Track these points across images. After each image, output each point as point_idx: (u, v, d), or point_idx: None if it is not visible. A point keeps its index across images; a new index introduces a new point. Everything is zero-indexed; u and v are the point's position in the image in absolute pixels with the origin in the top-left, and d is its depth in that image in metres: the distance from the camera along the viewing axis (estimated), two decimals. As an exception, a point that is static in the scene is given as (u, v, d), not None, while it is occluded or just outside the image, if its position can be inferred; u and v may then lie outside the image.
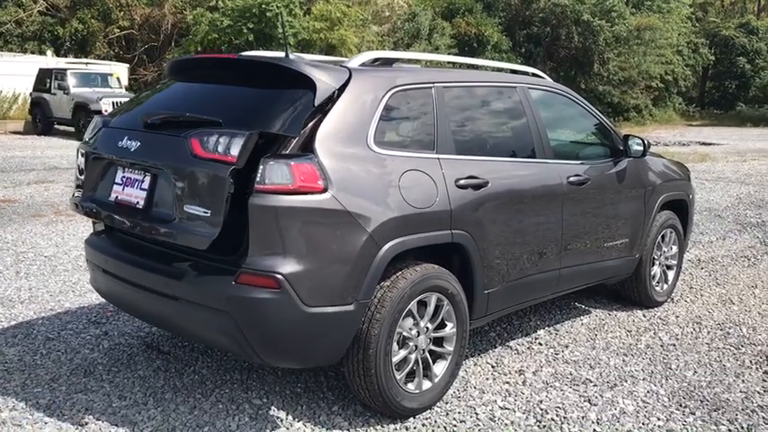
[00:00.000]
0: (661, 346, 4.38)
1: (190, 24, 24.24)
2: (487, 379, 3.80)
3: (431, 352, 3.39)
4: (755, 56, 39.27)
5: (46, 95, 18.84)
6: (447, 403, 3.48)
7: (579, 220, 4.25)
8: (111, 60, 24.30)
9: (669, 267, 5.30)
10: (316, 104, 3.00)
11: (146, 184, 3.19)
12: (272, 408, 3.38)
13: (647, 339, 4.48)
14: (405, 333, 3.24)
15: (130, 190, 3.26)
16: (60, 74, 18.85)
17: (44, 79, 19.11)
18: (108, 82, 19.31)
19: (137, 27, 26.33)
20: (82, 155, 3.62)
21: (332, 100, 3.08)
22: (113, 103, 17.61)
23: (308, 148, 2.93)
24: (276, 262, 2.86)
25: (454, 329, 3.44)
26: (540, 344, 4.34)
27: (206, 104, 3.32)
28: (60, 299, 4.91)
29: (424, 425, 3.28)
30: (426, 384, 3.37)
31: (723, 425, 3.37)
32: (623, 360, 4.12)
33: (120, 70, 22.45)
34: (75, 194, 3.65)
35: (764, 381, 3.89)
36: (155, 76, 25.27)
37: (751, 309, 5.19)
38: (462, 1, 29.84)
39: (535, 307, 4.92)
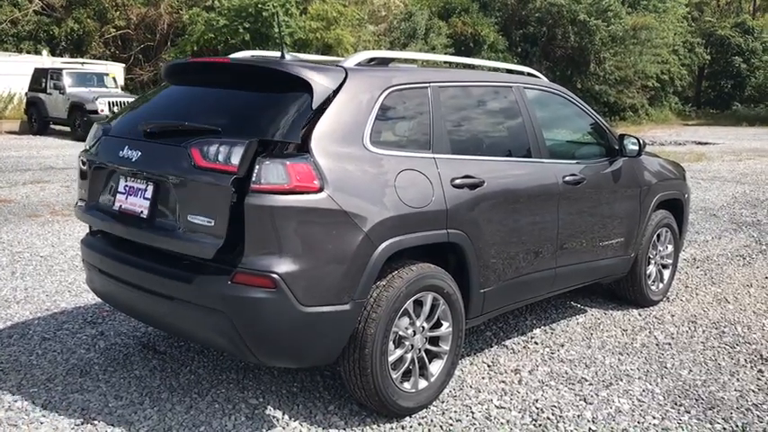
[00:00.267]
0: (656, 344, 4.39)
1: (186, 24, 24.20)
2: (483, 378, 3.81)
3: (427, 351, 3.40)
4: (751, 55, 39.37)
5: (42, 95, 18.79)
6: (443, 402, 3.49)
7: (575, 219, 4.26)
8: (106, 60, 24.25)
9: (665, 266, 5.31)
10: (314, 108, 3.02)
11: (149, 194, 3.20)
12: (269, 407, 3.39)
13: (642, 338, 4.50)
14: (401, 332, 3.24)
15: (134, 199, 3.27)
16: (56, 74, 18.80)
17: (40, 79, 19.07)
18: (104, 82, 19.27)
19: (132, 27, 26.28)
20: (83, 163, 3.63)
21: (328, 100, 3.09)
22: (109, 102, 17.60)
23: (303, 148, 2.94)
24: (272, 261, 2.86)
25: (450, 329, 3.45)
26: (536, 343, 4.35)
27: (204, 110, 3.34)
28: (56, 299, 4.91)
29: (420, 424, 3.28)
30: (422, 383, 3.38)
31: (718, 423, 3.38)
32: (619, 359, 4.13)
33: (116, 70, 22.40)
34: (79, 204, 3.66)
35: (759, 379, 3.91)
36: (151, 75, 25.24)
37: (746, 308, 5.21)
38: (458, 1, 29.85)
39: (531, 306, 4.93)
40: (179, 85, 3.65)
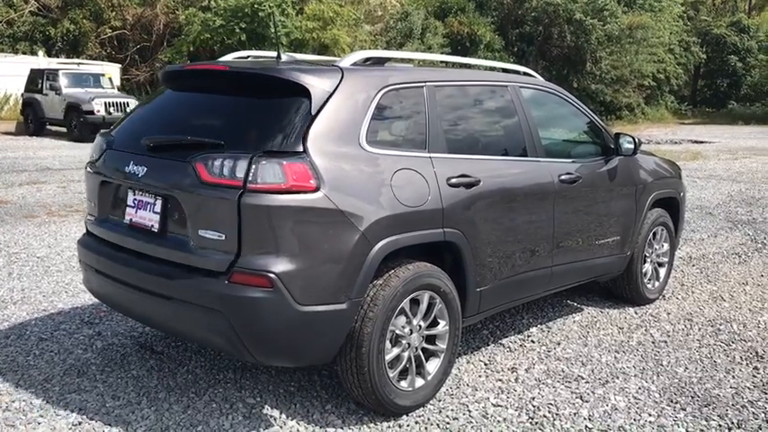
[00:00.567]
0: (652, 342, 4.41)
1: (182, 24, 24.20)
2: (480, 376, 3.82)
3: (423, 350, 3.41)
4: (747, 54, 39.47)
5: (38, 96, 18.77)
6: (440, 401, 3.50)
7: (571, 217, 4.28)
8: (103, 60, 24.23)
9: (660, 265, 5.33)
10: (313, 113, 3.03)
11: (158, 208, 3.20)
12: (266, 406, 3.39)
13: (638, 336, 4.51)
14: (397, 331, 3.25)
15: (144, 213, 3.27)
16: (52, 74, 18.78)
17: (36, 80, 19.05)
18: (100, 82, 19.25)
19: (129, 27, 26.26)
20: (90, 176, 3.64)
21: (325, 102, 3.10)
22: (105, 103, 17.60)
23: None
24: (269, 261, 2.87)
25: (447, 327, 3.46)
26: (533, 341, 4.37)
27: (204, 119, 3.37)
28: (53, 299, 4.91)
29: (417, 422, 3.29)
30: (419, 382, 3.39)
31: (713, 420, 3.40)
32: (615, 357, 4.15)
33: (113, 70, 22.38)
34: (89, 218, 3.67)
35: (754, 376, 3.93)
36: (147, 76, 25.23)
37: (741, 305, 5.23)
38: (455, 0, 29.88)
39: (527, 305, 4.94)
40: (177, 90, 3.65)
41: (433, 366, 3.44)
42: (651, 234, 5.09)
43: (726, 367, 4.04)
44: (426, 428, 3.25)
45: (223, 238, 2.91)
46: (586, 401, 3.56)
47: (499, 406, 3.48)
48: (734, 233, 7.85)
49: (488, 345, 4.30)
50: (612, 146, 4.66)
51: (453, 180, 3.45)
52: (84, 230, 3.81)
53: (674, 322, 4.80)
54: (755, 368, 4.04)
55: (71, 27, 25.05)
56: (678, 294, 5.47)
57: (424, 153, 3.41)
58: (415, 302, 3.32)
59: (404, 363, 3.31)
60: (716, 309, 5.12)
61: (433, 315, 3.40)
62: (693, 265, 6.37)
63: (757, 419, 3.43)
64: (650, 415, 3.43)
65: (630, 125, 29.75)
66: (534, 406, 3.49)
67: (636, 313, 4.98)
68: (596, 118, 4.79)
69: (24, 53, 23.70)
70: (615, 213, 4.67)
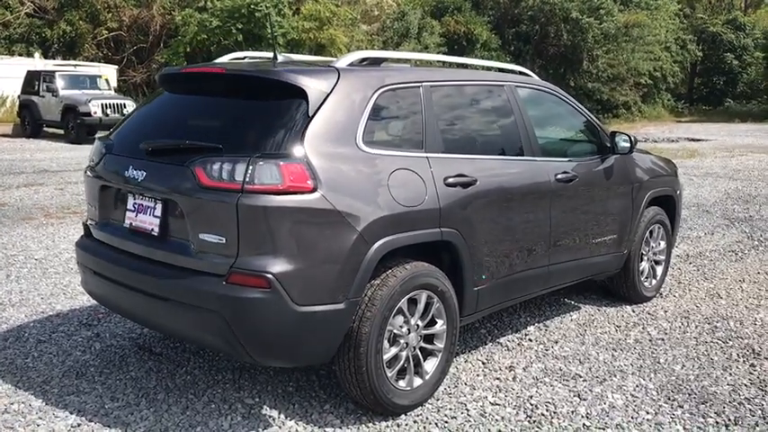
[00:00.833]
0: (650, 340, 4.42)
1: (178, 25, 24.18)
2: (478, 375, 3.83)
3: (421, 349, 3.42)
4: (743, 52, 39.58)
5: (34, 98, 18.75)
6: (438, 400, 3.51)
7: (567, 216, 4.29)
8: (99, 62, 24.20)
9: (657, 263, 5.34)
10: (309, 114, 3.04)
11: (158, 211, 3.21)
12: (265, 407, 3.40)
13: (635, 334, 4.53)
14: (395, 331, 3.26)
15: (144, 217, 3.28)
16: (49, 76, 18.76)
17: (32, 81, 19.03)
18: (97, 84, 19.23)
19: (125, 28, 26.23)
20: (90, 181, 3.64)
21: (322, 103, 3.11)
22: (102, 104, 17.58)
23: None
24: (266, 262, 2.87)
25: (444, 326, 3.47)
26: (531, 340, 4.38)
27: (202, 122, 3.38)
28: (51, 301, 4.91)
29: (415, 421, 3.30)
30: (417, 381, 3.39)
31: (710, 417, 3.41)
32: (612, 355, 4.16)
33: (109, 72, 22.37)
34: (90, 222, 3.67)
35: (751, 373, 3.94)
36: (144, 77, 25.21)
37: (738, 303, 5.25)
38: (451, 0, 29.90)
39: (525, 303, 4.95)
40: (174, 93, 3.66)
41: (431, 366, 3.45)
42: (648, 232, 5.10)
43: (723, 364, 4.06)
44: (425, 427, 3.26)
45: (223, 241, 2.92)
46: (584, 399, 3.57)
47: (497, 405, 3.49)
48: (731, 230, 7.87)
49: (486, 344, 4.31)
50: (608, 144, 4.67)
51: (450, 180, 3.46)
52: (82, 232, 3.82)
53: (671, 320, 4.82)
54: (752, 365, 4.06)
55: (67, 28, 25.02)
56: (675, 292, 5.48)
57: (420, 153, 3.41)
58: (413, 302, 3.33)
59: (402, 362, 3.32)
60: (713, 306, 5.14)
61: (430, 314, 3.41)
62: (690, 263, 6.39)
63: (754, 416, 3.44)
64: (647, 413, 3.44)
65: (627, 123, 29.80)
66: (532, 404, 3.50)
67: (633, 311, 4.99)
68: (592, 117, 4.81)
69: (21, 55, 23.66)
70: (612, 212, 4.69)
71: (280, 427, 3.22)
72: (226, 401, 3.43)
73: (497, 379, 3.79)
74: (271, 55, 3.83)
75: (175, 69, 3.87)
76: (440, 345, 3.47)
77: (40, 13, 25.15)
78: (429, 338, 3.45)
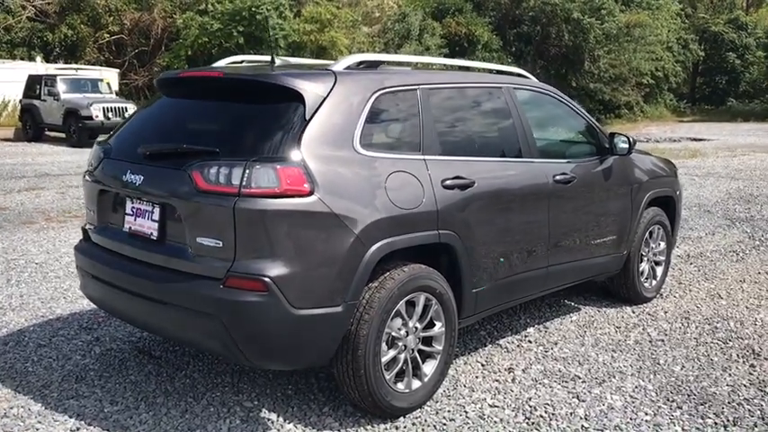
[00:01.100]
0: (649, 341, 4.42)
1: (180, 28, 24.23)
2: (477, 377, 3.83)
3: (420, 351, 3.42)
4: (745, 51, 39.53)
5: (36, 102, 18.80)
6: (437, 402, 3.51)
7: (566, 218, 4.29)
8: (101, 66, 24.27)
9: (657, 263, 5.34)
10: (306, 117, 3.05)
11: (156, 215, 3.22)
12: (264, 410, 3.40)
13: (635, 335, 4.52)
14: (393, 333, 3.26)
15: (142, 221, 3.29)
16: (50, 80, 18.80)
17: (34, 86, 19.07)
18: (98, 87, 19.26)
19: (126, 32, 26.30)
20: (88, 185, 3.65)
21: (319, 106, 3.11)
22: (104, 108, 17.60)
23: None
24: (264, 265, 2.88)
25: (443, 329, 3.47)
26: (530, 341, 4.38)
27: (199, 126, 3.39)
28: (51, 305, 4.92)
29: (414, 424, 3.30)
30: (416, 384, 3.39)
31: (709, 418, 3.41)
32: (612, 356, 4.16)
33: (111, 75, 22.44)
34: (88, 226, 3.68)
35: (751, 374, 3.93)
36: (145, 80, 25.25)
37: (739, 303, 5.24)
38: (452, 1, 29.90)
39: (524, 305, 4.95)
40: (173, 97, 3.67)
41: (429, 368, 3.45)
42: (647, 233, 5.10)
43: (722, 365, 4.05)
44: (423, 430, 3.26)
45: (221, 245, 2.92)
46: (583, 401, 3.56)
47: (496, 406, 3.49)
48: (732, 231, 7.85)
49: (485, 345, 4.31)
50: (607, 145, 4.67)
51: (448, 182, 3.46)
52: (81, 236, 3.83)
53: (671, 321, 4.81)
54: (752, 366, 4.05)
55: (69, 32, 25.08)
56: (676, 293, 5.48)
57: (418, 155, 3.42)
58: (411, 304, 3.33)
59: (400, 365, 3.32)
60: (713, 307, 5.13)
61: (429, 317, 3.41)
62: (691, 263, 6.38)
63: (753, 417, 3.43)
64: (647, 414, 3.44)
65: (629, 123, 29.78)
66: (531, 406, 3.50)
67: (633, 312, 4.99)
68: (590, 118, 4.81)
69: (22, 59, 23.73)
70: (611, 213, 4.68)
71: (278, 430, 3.22)
72: (225, 405, 3.44)
73: (496, 381, 3.79)
74: (269, 58, 3.84)
75: (173, 74, 3.88)
76: (438, 347, 3.47)
77: (41, 17, 25.22)
78: (427, 341, 3.45)
